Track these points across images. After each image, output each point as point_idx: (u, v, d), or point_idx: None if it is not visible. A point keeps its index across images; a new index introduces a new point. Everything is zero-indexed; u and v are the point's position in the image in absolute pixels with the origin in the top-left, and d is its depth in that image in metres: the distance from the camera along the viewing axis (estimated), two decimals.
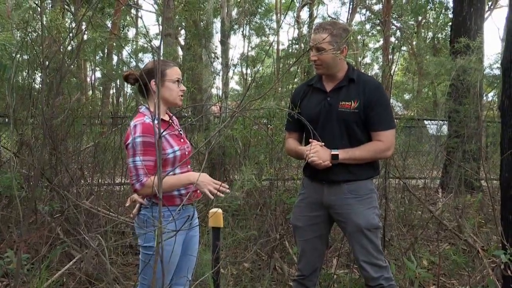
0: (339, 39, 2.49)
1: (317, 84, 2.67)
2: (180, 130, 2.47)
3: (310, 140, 2.51)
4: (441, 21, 23.82)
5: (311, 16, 21.94)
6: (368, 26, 25.36)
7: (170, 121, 2.43)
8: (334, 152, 2.47)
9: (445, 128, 7.44)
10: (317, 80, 2.70)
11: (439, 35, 24.26)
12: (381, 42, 26.08)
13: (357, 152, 2.50)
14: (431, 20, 25.29)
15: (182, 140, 2.41)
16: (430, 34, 25.24)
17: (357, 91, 2.54)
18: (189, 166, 2.48)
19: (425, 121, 9.24)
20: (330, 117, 2.55)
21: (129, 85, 2.74)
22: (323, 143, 2.51)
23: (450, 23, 8.59)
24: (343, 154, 2.48)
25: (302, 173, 2.95)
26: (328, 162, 2.47)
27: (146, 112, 2.27)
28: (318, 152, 2.47)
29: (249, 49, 24.17)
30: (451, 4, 9.52)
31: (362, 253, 2.53)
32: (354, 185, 2.55)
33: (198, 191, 2.43)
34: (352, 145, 2.53)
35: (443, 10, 23.14)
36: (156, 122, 1.42)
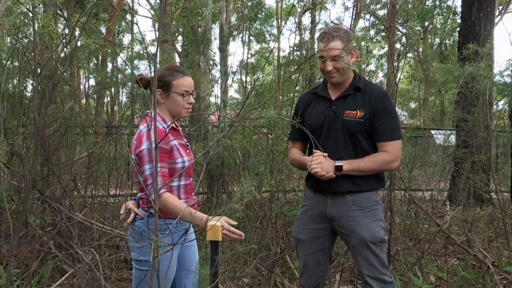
0: (347, 43, 2.54)
1: (322, 92, 2.70)
2: (187, 142, 2.48)
3: (314, 150, 2.54)
4: (448, 26, 23.92)
5: (313, 22, 22.06)
6: (372, 32, 25.48)
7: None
8: (338, 163, 2.50)
9: (452, 138, 7.44)
10: (322, 88, 2.73)
11: (447, 41, 24.36)
12: (386, 48, 26.18)
13: (362, 164, 2.52)
14: (438, 26, 25.40)
15: (188, 151, 2.41)
16: (437, 40, 25.34)
17: (363, 100, 2.57)
18: (191, 179, 2.49)
19: (432, 130, 9.26)
20: (334, 126, 2.58)
21: (124, 94, 2.76)
22: (326, 154, 2.53)
23: (458, 29, 8.64)
24: (347, 165, 2.50)
25: (304, 185, 2.97)
26: (332, 174, 2.49)
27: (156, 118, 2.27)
28: (321, 163, 2.49)
29: (249, 56, 24.30)
30: (459, 9, 9.58)
31: (366, 267, 2.53)
32: (359, 197, 2.57)
33: (196, 205, 2.44)
34: (356, 155, 2.55)
35: (451, 15, 23.26)
36: (152, 132, 1.43)
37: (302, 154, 2.80)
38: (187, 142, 2.49)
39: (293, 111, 2.96)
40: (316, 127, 2.61)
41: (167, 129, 2.27)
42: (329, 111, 2.62)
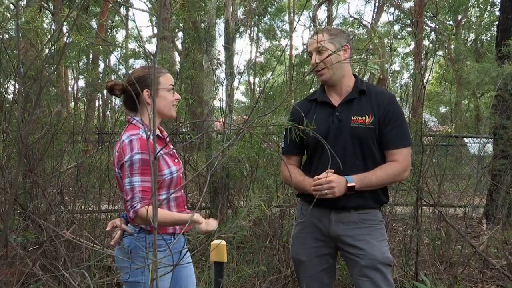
0: (339, 39, 2.59)
1: (321, 98, 2.71)
2: (173, 149, 2.50)
3: (329, 171, 2.50)
4: (485, 20, 23.86)
5: (329, 16, 22.09)
6: (397, 28, 25.45)
7: (167, 138, 2.47)
8: (350, 183, 2.49)
9: (489, 147, 7.40)
10: (320, 93, 2.74)
11: (483, 37, 24.27)
12: (413, 46, 26.14)
13: (374, 178, 2.53)
14: (473, 19, 25.33)
15: (176, 160, 2.43)
16: (472, 35, 25.26)
17: (370, 104, 2.59)
18: (182, 191, 2.51)
19: (465, 138, 9.20)
20: (340, 134, 2.59)
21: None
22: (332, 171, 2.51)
23: (497, 23, 8.60)
24: (359, 183, 2.50)
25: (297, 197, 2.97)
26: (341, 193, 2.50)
27: (139, 125, 2.28)
28: (333, 188, 2.46)
29: (258, 54, 24.32)
30: (498, 0, 9.55)
31: None
32: (367, 214, 2.60)
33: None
34: (366, 165, 2.58)
35: (488, 7, 23.22)
36: (151, 139, 1.45)
37: (302, 173, 2.75)
38: (174, 149, 2.50)
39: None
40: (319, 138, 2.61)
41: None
42: (333, 119, 2.62)
